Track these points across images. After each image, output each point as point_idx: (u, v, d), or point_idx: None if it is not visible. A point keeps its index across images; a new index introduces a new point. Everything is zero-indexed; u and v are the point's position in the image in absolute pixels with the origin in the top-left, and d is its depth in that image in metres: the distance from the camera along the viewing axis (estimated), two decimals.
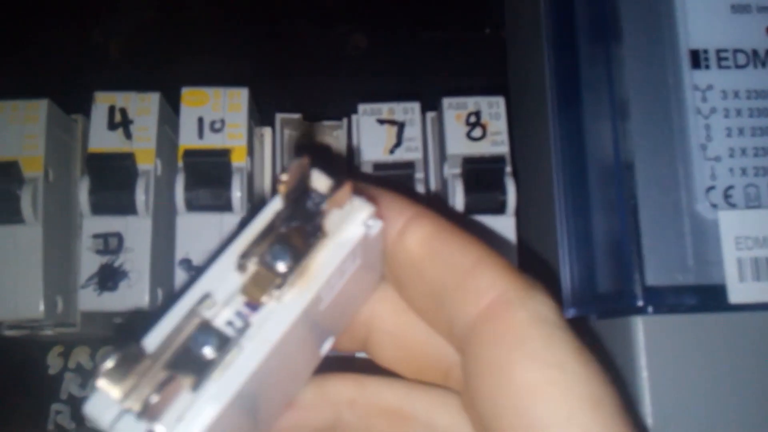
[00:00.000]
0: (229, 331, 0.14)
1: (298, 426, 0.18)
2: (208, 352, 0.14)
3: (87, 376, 0.37)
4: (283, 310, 0.14)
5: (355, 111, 0.34)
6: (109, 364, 0.13)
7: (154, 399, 0.13)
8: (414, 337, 0.18)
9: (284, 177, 0.15)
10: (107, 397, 0.13)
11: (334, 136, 0.37)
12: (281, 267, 0.14)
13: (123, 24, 0.41)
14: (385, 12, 0.42)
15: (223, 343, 0.14)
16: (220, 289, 0.14)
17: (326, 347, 0.18)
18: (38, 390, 0.37)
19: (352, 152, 0.34)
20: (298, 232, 0.15)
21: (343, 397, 0.18)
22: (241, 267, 0.15)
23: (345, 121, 0.35)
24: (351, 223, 0.15)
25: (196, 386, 0.13)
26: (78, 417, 0.36)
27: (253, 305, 0.14)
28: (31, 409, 0.36)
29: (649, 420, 0.24)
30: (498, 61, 0.41)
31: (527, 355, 0.15)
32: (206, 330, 0.14)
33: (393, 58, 0.41)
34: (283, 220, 0.15)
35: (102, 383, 0.13)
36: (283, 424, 0.18)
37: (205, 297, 0.14)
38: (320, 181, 0.15)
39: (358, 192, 0.16)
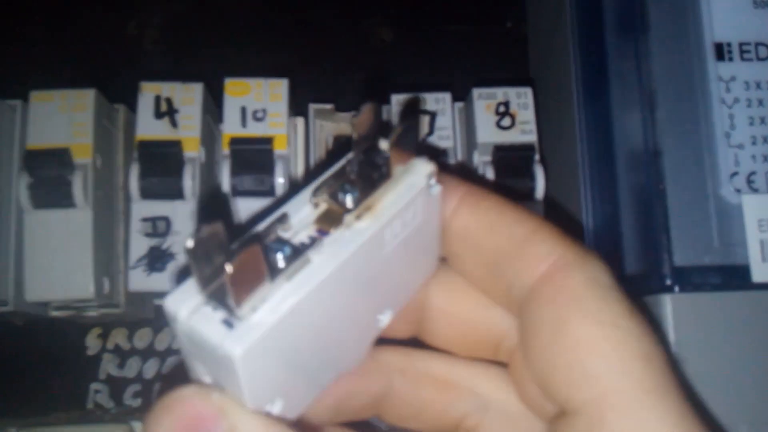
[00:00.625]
0: (301, 247, 0.15)
1: (354, 392, 0.19)
2: (279, 259, 0.15)
3: (125, 357, 0.38)
4: (351, 235, 0.15)
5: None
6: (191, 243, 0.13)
7: (231, 293, 0.14)
8: (467, 315, 0.19)
9: (357, 119, 0.16)
10: (185, 291, 0.14)
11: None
12: (349, 202, 0.16)
13: (156, 16, 0.42)
14: (409, 6, 0.43)
15: (295, 254, 0.15)
16: (295, 219, 0.16)
17: (385, 319, 0.19)
18: (78, 370, 0.38)
19: None
20: (365, 176, 0.16)
21: (394, 366, 0.20)
22: (314, 203, 0.16)
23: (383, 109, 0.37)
24: (414, 174, 0.16)
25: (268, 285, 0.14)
26: (116, 396, 0.38)
27: (324, 232, 0.16)
28: (71, 388, 0.38)
29: None
30: (520, 53, 0.42)
31: (584, 313, 0.16)
32: (280, 241, 0.15)
33: (417, 51, 0.42)
34: (353, 166, 0.16)
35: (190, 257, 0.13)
36: (339, 389, 0.19)
37: (283, 217, 0.16)
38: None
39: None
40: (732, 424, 0.24)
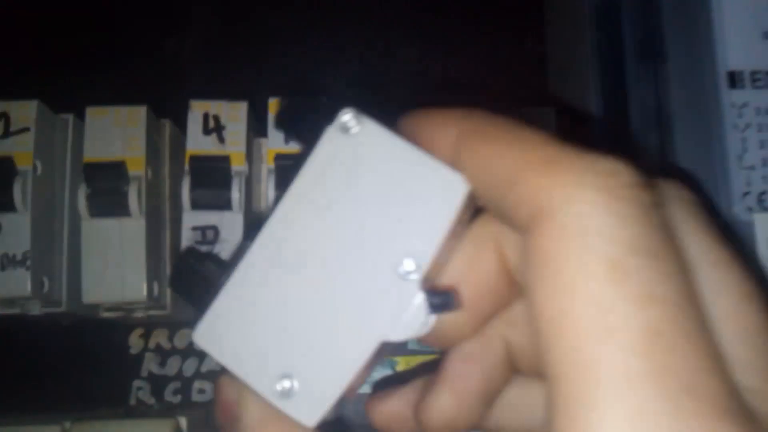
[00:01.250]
0: None
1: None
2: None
3: (165, 356, 0.40)
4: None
5: None
6: None
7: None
8: None
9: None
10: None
11: None
12: None
13: (193, 35, 0.44)
14: (433, 27, 0.45)
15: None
16: None
17: (411, 267, 0.17)
18: (121, 368, 0.40)
19: None
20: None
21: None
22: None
23: None
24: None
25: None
26: (157, 393, 0.40)
27: None
28: (115, 385, 0.40)
29: None
30: (536, 70, 0.44)
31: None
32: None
33: (442, 72, 0.44)
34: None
35: None
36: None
37: None
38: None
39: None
40: None
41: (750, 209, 0.29)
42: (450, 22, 0.45)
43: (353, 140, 0.17)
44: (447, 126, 0.16)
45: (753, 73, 0.30)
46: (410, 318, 0.16)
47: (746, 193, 0.29)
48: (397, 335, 0.16)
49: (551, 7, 0.44)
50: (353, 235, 0.16)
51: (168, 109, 0.37)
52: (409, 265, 0.16)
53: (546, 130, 0.15)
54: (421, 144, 0.17)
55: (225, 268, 0.17)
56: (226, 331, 0.17)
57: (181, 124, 0.37)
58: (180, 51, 0.44)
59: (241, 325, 0.16)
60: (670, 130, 0.29)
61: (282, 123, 0.17)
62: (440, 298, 0.16)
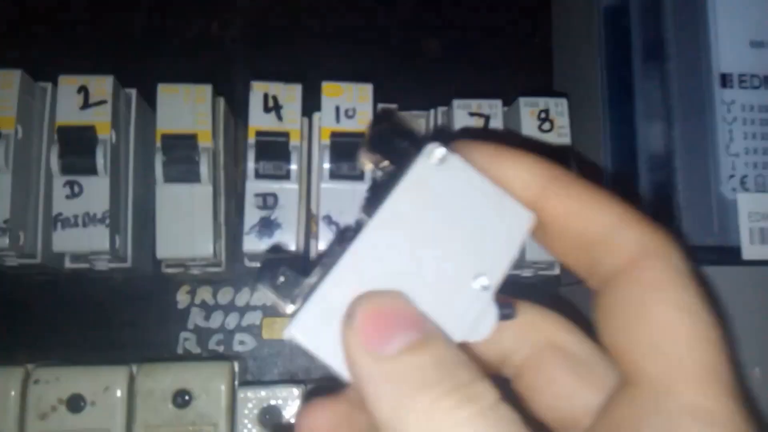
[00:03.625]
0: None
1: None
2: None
3: (209, 311, 0.45)
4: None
5: (439, 104, 0.43)
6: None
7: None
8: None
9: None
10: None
11: (418, 123, 0.45)
12: None
13: (236, 17, 0.48)
14: (453, 22, 0.50)
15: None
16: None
17: (484, 284, 0.20)
18: (170, 321, 0.44)
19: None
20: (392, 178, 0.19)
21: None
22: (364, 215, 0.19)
23: (432, 111, 0.44)
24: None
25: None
26: (202, 344, 0.44)
27: None
28: (164, 336, 0.44)
29: None
30: (543, 66, 0.49)
31: (665, 298, 0.17)
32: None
33: (459, 61, 0.49)
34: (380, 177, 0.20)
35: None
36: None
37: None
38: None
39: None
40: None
41: (734, 190, 0.34)
42: (467, 18, 0.50)
43: (440, 170, 0.19)
44: (532, 170, 0.19)
45: (740, 75, 0.36)
46: (485, 323, 0.19)
47: (731, 176, 0.35)
48: (474, 337, 0.19)
49: (559, 7, 0.49)
50: (438, 251, 0.19)
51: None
52: (484, 281, 0.19)
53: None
54: (500, 178, 0.19)
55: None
56: (323, 328, 0.18)
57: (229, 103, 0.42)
58: (223, 34, 0.48)
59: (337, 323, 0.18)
60: (671, 121, 0.35)
61: (374, 146, 0.21)
62: (507, 309, 0.20)
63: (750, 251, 0.33)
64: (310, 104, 0.40)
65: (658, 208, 0.35)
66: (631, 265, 0.18)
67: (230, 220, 0.42)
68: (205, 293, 0.45)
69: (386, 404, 0.16)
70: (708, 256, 0.34)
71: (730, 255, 0.33)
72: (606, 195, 0.19)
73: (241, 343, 0.45)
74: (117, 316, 0.44)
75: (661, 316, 0.17)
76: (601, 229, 0.18)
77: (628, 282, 0.18)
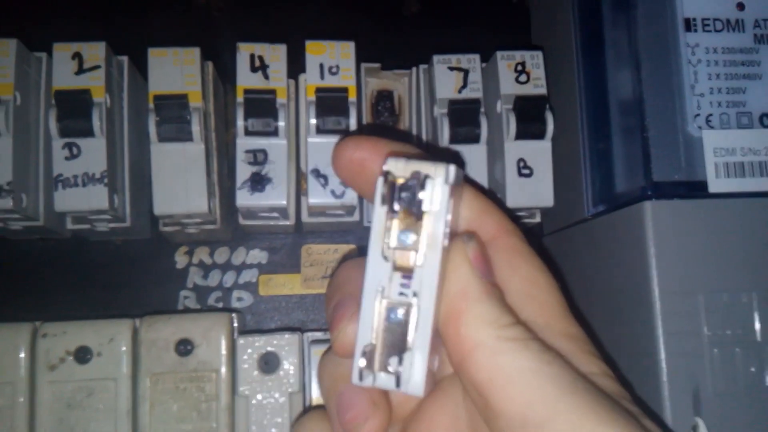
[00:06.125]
0: (403, 299, 0.20)
1: None
2: (401, 317, 0.20)
3: (207, 270, 0.47)
4: (428, 266, 0.20)
5: (419, 62, 0.45)
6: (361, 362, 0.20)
7: (394, 365, 0.20)
8: None
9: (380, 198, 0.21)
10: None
11: (401, 82, 0.47)
12: (410, 242, 0.20)
13: None
14: None
15: (406, 307, 0.20)
16: (383, 277, 0.21)
17: None
18: (169, 280, 0.46)
19: (418, 95, 0.45)
20: (407, 214, 0.20)
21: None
22: (385, 258, 0.21)
23: (413, 70, 0.45)
24: (438, 191, 0.20)
25: (405, 345, 0.20)
26: (201, 301, 0.46)
27: (407, 276, 0.21)
28: (165, 294, 0.46)
29: (654, 275, 0.35)
30: (522, 23, 0.51)
31: (525, 260, 0.25)
32: (392, 306, 0.20)
33: (439, 20, 0.51)
34: (391, 216, 0.21)
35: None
36: None
37: (383, 290, 0.21)
38: (398, 170, 0.21)
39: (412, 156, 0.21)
40: (691, 292, 0.34)
41: (700, 128, 0.36)
42: None
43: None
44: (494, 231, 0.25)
45: (704, 19, 0.37)
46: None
47: (697, 115, 0.36)
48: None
49: None
50: None
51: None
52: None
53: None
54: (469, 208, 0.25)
55: None
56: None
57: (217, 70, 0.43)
58: (208, 3, 0.49)
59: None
60: (639, 65, 0.37)
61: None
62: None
63: (715, 185, 0.35)
64: (295, 68, 0.41)
65: (629, 148, 0.37)
66: (497, 236, 0.25)
67: (223, 181, 0.43)
68: (202, 253, 0.47)
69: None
70: (677, 190, 0.35)
71: (698, 189, 0.35)
72: (476, 192, 0.25)
73: (239, 299, 0.47)
74: (118, 277, 0.46)
75: (525, 273, 0.24)
76: (475, 214, 0.25)
77: (497, 248, 0.24)
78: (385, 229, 0.20)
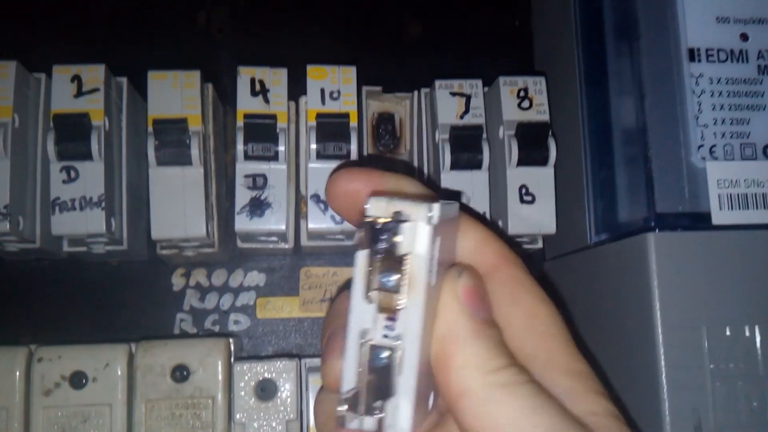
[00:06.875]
0: (387, 342, 0.20)
1: None
2: (384, 361, 0.20)
3: (204, 292, 0.46)
4: (412, 309, 0.20)
5: (422, 85, 0.44)
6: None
7: (378, 410, 0.19)
8: None
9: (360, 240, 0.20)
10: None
11: (403, 105, 0.47)
12: (392, 284, 0.20)
13: (221, 7, 0.49)
14: (434, 5, 0.51)
15: (390, 350, 0.20)
16: (367, 320, 0.20)
17: None
18: (166, 303, 0.46)
19: (420, 118, 0.45)
20: (390, 257, 0.20)
21: None
22: (368, 299, 0.20)
23: (415, 93, 0.45)
24: (420, 232, 0.20)
25: (390, 389, 0.19)
26: (198, 324, 0.46)
27: (392, 317, 0.20)
28: (161, 317, 0.46)
29: (657, 307, 0.35)
30: (525, 46, 0.51)
31: (526, 290, 0.24)
32: (375, 349, 0.20)
33: (442, 43, 0.51)
34: (373, 258, 0.20)
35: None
36: None
37: (364, 332, 0.20)
38: (380, 210, 0.20)
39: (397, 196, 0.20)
40: (694, 325, 0.34)
41: (703, 158, 0.36)
42: (448, 2, 0.51)
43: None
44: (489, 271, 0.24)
45: (708, 49, 0.37)
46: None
47: (701, 146, 0.36)
48: None
49: None
50: None
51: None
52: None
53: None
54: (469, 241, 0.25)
55: None
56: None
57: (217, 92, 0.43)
58: (209, 23, 0.49)
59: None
60: (642, 95, 0.36)
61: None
62: None
63: (719, 217, 0.35)
64: (296, 89, 0.41)
65: (632, 178, 0.37)
66: (497, 266, 0.24)
67: (221, 203, 0.43)
68: (199, 275, 0.46)
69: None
70: (680, 222, 0.35)
71: (701, 220, 0.35)
72: (474, 222, 0.25)
73: (236, 322, 0.46)
74: (115, 299, 0.45)
75: (527, 305, 0.24)
76: (474, 244, 0.25)
77: (498, 279, 0.24)
78: (367, 271, 0.20)
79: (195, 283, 0.46)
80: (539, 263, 0.48)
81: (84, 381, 0.38)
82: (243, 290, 0.47)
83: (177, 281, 0.46)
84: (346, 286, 0.44)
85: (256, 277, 0.47)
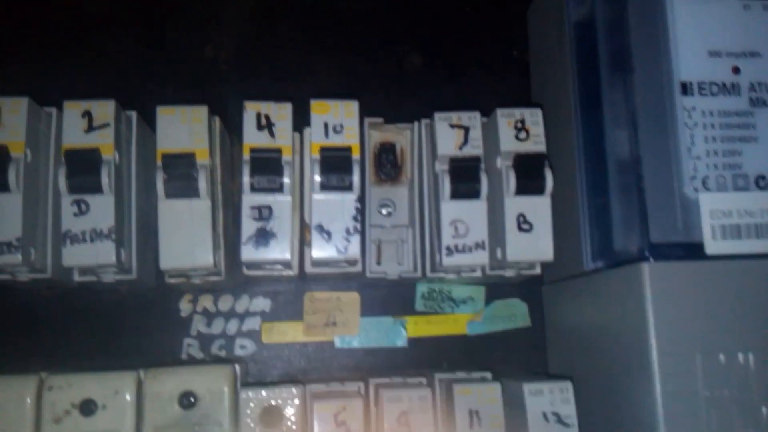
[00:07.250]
0: None
1: None
2: None
3: (211, 318, 0.47)
4: None
5: (422, 115, 0.46)
6: None
7: None
8: None
9: None
10: None
11: (404, 135, 0.48)
12: None
13: (228, 40, 0.51)
14: (433, 37, 0.52)
15: None
16: None
17: None
18: (173, 328, 0.47)
19: (420, 148, 0.46)
20: None
21: None
22: None
23: (415, 124, 0.46)
24: None
25: None
26: (205, 349, 0.47)
27: None
28: (168, 342, 0.47)
29: (652, 335, 0.35)
30: (523, 72, 0.52)
31: None
32: None
33: (440, 74, 0.52)
34: None
35: None
36: None
37: None
38: None
39: None
40: (688, 353, 0.35)
41: (696, 190, 0.37)
42: (449, 34, 0.53)
43: None
44: None
45: (700, 83, 0.38)
46: None
47: (693, 177, 0.37)
48: None
49: (535, 22, 0.51)
50: None
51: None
52: None
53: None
54: None
55: None
56: None
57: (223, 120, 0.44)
58: (216, 56, 0.50)
59: None
60: (636, 127, 0.37)
61: None
62: None
63: (712, 247, 0.36)
64: (301, 119, 0.42)
65: (626, 208, 0.38)
66: None
67: (228, 231, 0.44)
68: (206, 301, 0.47)
69: None
70: (674, 252, 0.36)
71: (695, 251, 0.36)
72: None
73: (242, 347, 0.47)
74: (124, 325, 0.46)
75: None
76: None
77: None
78: None
79: (202, 309, 0.47)
80: (537, 288, 0.49)
81: (94, 408, 0.39)
82: (249, 315, 0.48)
83: (185, 307, 0.47)
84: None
85: (261, 303, 0.48)
